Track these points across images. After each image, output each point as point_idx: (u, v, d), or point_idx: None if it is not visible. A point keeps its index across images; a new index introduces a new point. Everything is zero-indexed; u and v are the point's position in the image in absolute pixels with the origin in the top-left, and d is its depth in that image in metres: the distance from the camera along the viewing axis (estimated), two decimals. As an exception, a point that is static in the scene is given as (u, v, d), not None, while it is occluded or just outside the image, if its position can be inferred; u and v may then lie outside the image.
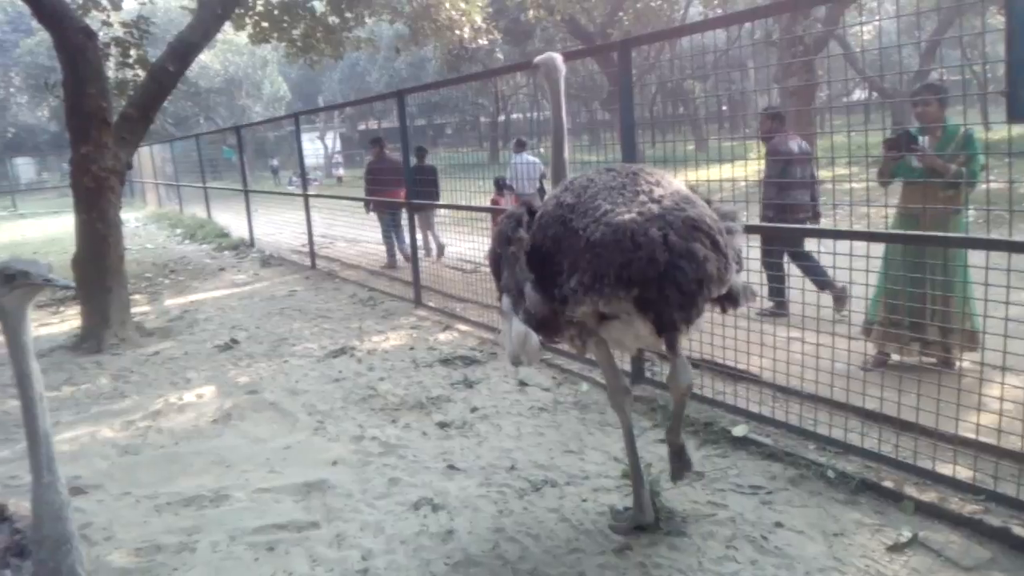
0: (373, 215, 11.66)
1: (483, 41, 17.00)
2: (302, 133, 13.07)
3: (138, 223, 22.54)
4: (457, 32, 14.33)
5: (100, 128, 7.53)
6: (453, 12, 13.90)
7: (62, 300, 10.03)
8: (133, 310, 8.48)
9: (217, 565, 3.48)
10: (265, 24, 13.12)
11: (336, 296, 9.71)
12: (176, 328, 8.42)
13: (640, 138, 5.40)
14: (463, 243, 8.47)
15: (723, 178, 5.22)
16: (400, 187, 10.75)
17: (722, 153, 5.45)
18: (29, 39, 43.78)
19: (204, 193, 18.69)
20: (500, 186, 9.94)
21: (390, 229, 11.44)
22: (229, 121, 43.44)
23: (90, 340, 7.57)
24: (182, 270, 12.87)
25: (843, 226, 6.69)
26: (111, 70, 9.90)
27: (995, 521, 3.23)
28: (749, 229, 5.15)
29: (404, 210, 9.94)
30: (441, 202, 9.67)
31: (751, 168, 7.98)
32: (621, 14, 26.16)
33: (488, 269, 3.48)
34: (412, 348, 6.91)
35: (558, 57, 3.68)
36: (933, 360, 4.99)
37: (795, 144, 7.03)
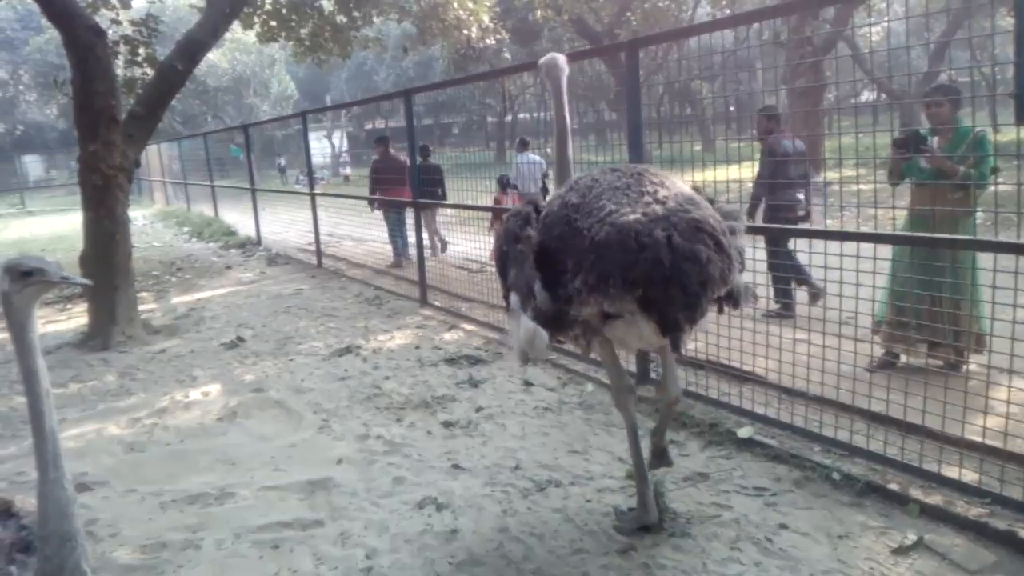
0: (378, 213, 11.69)
1: (490, 41, 16.98)
2: (309, 132, 13.10)
3: (145, 221, 22.63)
4: (465, 32, 14.33)
5: (109, 126, 7.56)
6: (461, 12, 13.90)
7: (69, 297, 10.07)
8: (140, 308, 8.51)
9: (222, 563, 3.49)
10: (273, 23, 13.17)
11: (342, 295, 9.73)
12: (182, 326, 8.44)
13: (647, 138, 5.39)
14: (469, 243, 8.48)
15: (730, 179, 5.22)
16: (403, 186, 10.81)
17: (729, 154, 5.44)
18: (38, 37, 44.02)
19: (211, 191, 18.74)
20: (503, 185, 9.94)
21: (396, 228, 11.46)
22: (237, 120, 43.55)
23: (97, 337, 7.60)
24: (189, 268, 12.91)
25: (850, 227, 6.66)
26: (120, 68, 9.92)
27: (1001, 524, 3.22)
28: (755, 230, 5.15)
29: (408, 209, 9.97)
30: (448, 201, 9.68)
31: (758, 169, 7.96)
32: (629, 14, 26.14)
33: (494, 269, 3.49)
34: (417, 347, 6.92)
35: (560, 58, 3.70)
36: (939, 363, 4.97)
37: (790, 143, 7.03)
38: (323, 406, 5.49)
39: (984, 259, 4.62)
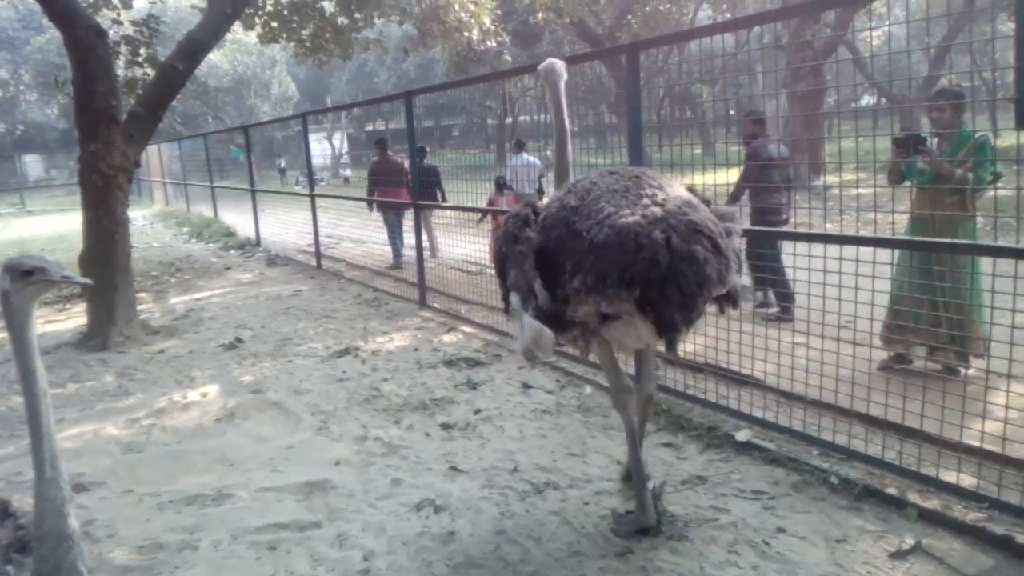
0: (377, 215, 11.71)
1: (491, 43, 17.00)
2: (310, 133, 13.11)
3: (145, 221, 22.63)
4: (466, 34, 14.35)
5: (109, 126, 7.56)
6: (462, 14, 13.92)
7: (68, 297, 10.07)
8: (139, 308, 8.51)
9: (219, 564, 3.48)
10: (274, 24, 13.17)
11: (341, 296, 9.73)
12: (181, 326, 8.44)
13: (647, 141, 5.40)
14: (469, 245, 8.48)
15: (730, 182, 5.22)
16: (400, 187, 10.85)
17: (729, 157, 5.45)
18: (39, 36, 44.01)
19: (211, 192, 18.74)
20: (500, 186, 9.95)
21: (394, 229, 11.48)
22: (237, 120, 43.59)
23: (96, 337, 7.60)
24: (188, 269, 12.91)
25: (850, 231, 6.67)
26: (121, 68, 9.94)
27: (998, 529, 3.22)
28: (759, 234, 5.16)
29: (405, 210, 9.97)
30: (448, 203, 9.68)
31: (742, 171, 8.00)
32: (630, 17, 26.14)
33: (492, 271, 3.51)
34: (416, 349, 6.92)
35: (559, 63, 3.76)
36: (938, 367, 4.97)
37: (775, 148, 7.08)
38: (321, 407, 5.49)
39: (984, 263, 4.63)
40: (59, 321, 9.00)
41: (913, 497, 3.55)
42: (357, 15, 13.34)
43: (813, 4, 5.40)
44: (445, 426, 4.99)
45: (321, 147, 49.00)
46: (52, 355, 7.27)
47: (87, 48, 7.29)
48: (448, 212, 11.14)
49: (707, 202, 3.15)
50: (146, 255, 14.60)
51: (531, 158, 10.87)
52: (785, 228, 6.77)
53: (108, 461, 4.73)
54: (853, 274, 3.98)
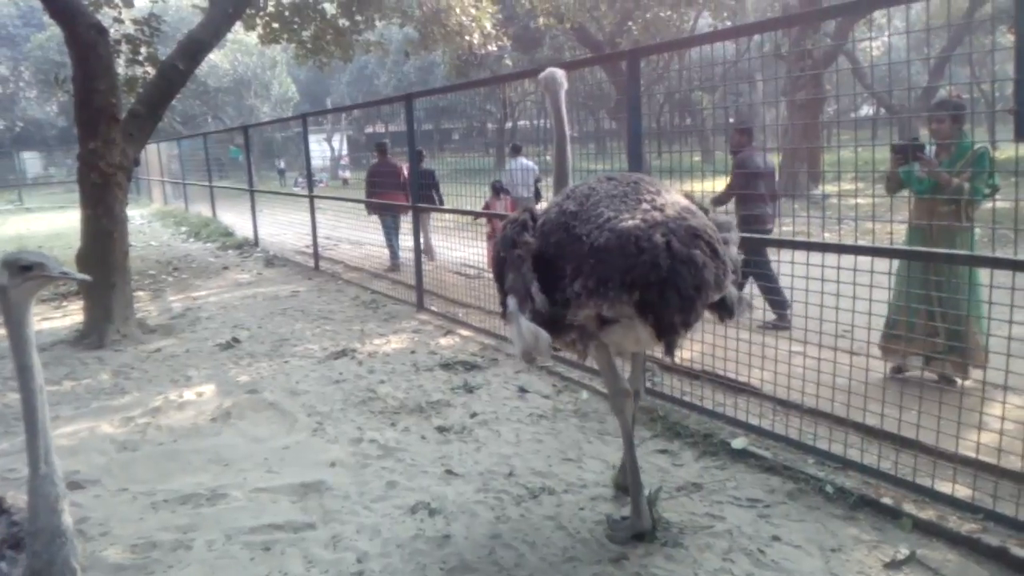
0: (376, 217, 11.71)
1: (492, 47, 17.03)
2: (309, 135, 13.11)
3: (143, 220, 22.60)
4: (467, 38, 14.37)
5: (108, 124, 7.56)
6: (463, 18, 13.94)
7: (65, 295, 10.05)
8: (136, 306, 8.49)
9: (212, 564, 3.47)
10: (275, 25, 13.18)
11: (338, 298, 9.72)
12: (178, 326, 8.43)
13: (646, 148, 5.41)
14: (467, 248, 8.48)
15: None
16: (396, 190, 10.88)
17: (727, 165, 5.46)
18: (40, 34, 44.01)
19: (210, 192, 18.73)
20: (496, 190, 9.96)
21: (392, 232, 11.48)
22: (237, 121, 43.56)
23: (92, 335, 7.58)
24: (186, 268, 12.89)
25: (848, 240, 6.70)
26: (121, 67, 9.92)
27: (993, 541, 3.22)
28: (762, 243, 5.16)
29: (402, 213, 9.97)
30: (446, 207, 9.68)
31: (730, 180, 8.04)
32: (630, 24, 26.20)
33: (490, 275, 3.52)
34: (413, 352, 6.91)
35: (559, 72, 3.81)
36: (934, 377, 4.98)
37: (761, 159, 7.12)
38: (317, 409, 5.48)
39: (982, 275, 4.63)
40: (56, 318, 8.98)
41: (908, 507, 3.56)
42: (358, 17, 13.36)
43: (813, 13, 5.43)
44: (441, 429, 4.99)
45: (320, 149, 49.03)
46: (48, 352, 7.25)
47: (88, 46, 7.29)
48: (447, 216, 11.16)
49: (705, 210, 3.16)
50: (144, 254, 14.59)
51: (527, 162, 10.89)
52: (778, 237, 6.81)
53: (103, 459, 4.72)
54: (851, 283, 3.99)
